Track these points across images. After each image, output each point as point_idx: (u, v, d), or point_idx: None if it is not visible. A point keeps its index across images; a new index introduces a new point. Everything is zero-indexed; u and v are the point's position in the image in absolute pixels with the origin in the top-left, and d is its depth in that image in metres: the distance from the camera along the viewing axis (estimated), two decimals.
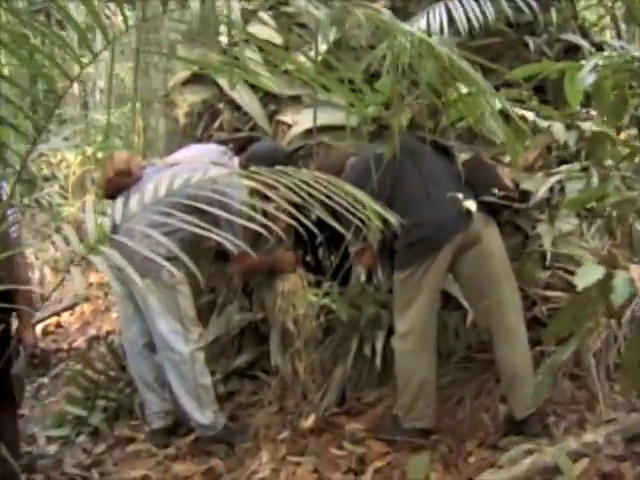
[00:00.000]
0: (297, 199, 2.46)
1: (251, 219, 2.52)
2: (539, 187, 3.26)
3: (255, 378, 4.66)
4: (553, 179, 2.98)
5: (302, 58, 4.03)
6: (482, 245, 3.66)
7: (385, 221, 2.81)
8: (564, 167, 3.05)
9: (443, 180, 3.72)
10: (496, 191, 3.58)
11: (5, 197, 3.15)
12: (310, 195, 2.47)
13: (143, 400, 4.29)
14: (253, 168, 2.44)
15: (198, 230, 2.39)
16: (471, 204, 3.46)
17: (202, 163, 3.77)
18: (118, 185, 3.94)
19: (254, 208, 2.67)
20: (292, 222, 2.55)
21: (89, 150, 8.16)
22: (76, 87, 12.21)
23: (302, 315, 4.24)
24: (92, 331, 6.38)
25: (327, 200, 2.46)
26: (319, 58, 4.24)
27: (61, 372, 5.65)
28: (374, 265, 4.10)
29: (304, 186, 2.49)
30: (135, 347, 4.17)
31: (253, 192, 3.74)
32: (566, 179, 2.92)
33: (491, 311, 3.71)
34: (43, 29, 2.54)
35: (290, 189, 2.42)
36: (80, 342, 6.20)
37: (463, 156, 3.83)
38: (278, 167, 2.59)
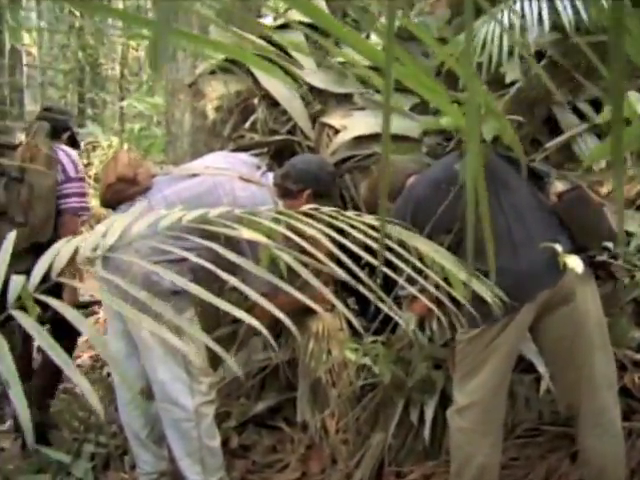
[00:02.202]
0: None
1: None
2: None
3: (276, 429, 3.92)
4: None
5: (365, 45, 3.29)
6: (575, 304, 2.83)
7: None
8: None
9: (531, 217, 2.89)
10: (607, 244, 2.75)
11: None
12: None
13: (134, 456, 3.51)
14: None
15: (209, 266, 1.58)
16: (574, 261, 2.61)
17: (228, 178, 3.15)
18: (120, 194, 3.25)
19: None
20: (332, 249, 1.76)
21: (115, 139, 7.47)
22: (118, 70, 11.76)
23: (338, 364, 3.45)
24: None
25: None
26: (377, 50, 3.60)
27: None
28: (429, 314, 3.27)
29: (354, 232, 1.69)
30: (127, 394, 3.39)
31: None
32: None
33: (579, 387, 2.91)
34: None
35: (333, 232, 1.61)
36: (85, 358, 5.45)
37: (558, 185, 2.98)
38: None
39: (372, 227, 1.56)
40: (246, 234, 1.32)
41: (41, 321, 1.32)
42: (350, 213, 1.56)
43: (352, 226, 1.52)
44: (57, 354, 1.02)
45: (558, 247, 2.67)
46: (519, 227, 2.85)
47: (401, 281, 2.55)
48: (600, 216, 2.85)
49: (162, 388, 3.20)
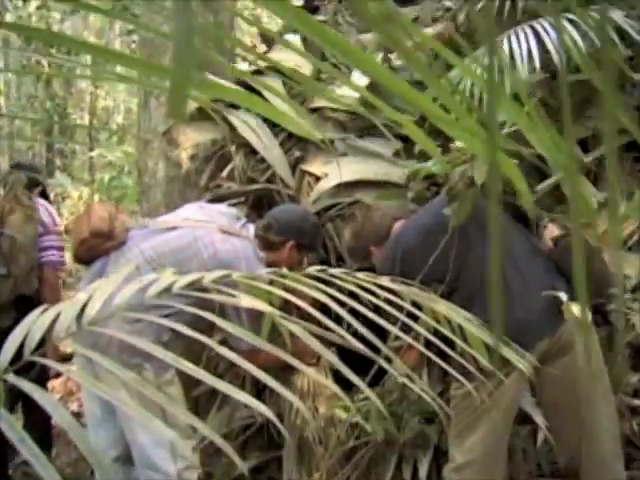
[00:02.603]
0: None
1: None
2: (635, 269, 2.76)
3: None
4: None
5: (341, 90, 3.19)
6: (575, 354, 2.71)
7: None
8: None
9: (526, 263, 2.79)
10: (612, 291, 2.64)
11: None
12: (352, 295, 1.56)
13: None
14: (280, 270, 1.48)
15: (182, 329, 1.44)
16: (579, 310, 2.49)
17: (207, 231, 3.02)
18: (94, 249, 3.09)
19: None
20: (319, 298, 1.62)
21: (86, 190, 7.32)
22: (86, 119, 11.64)
23: (326, 422, 3.29)
24: None
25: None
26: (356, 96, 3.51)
27: None
28: (420, 366, 3.12)
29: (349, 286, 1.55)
30: (103, 458, 3.15)
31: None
32: None
33: (580, 440, 2.78)
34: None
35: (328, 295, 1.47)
36: (74, 407, 5.21)
37: (552, 229, 2.88)
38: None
39: (381, 287, 1.43)
40: (245, 302, 1.18)
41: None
42: (361, 275, 1.42)
43: (360, 287, 1.38)
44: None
45: (562, 295, 2.56)
46: (515, 274, 2.73)
47: (395, 331, 2.41)
48: (599, 262, 2.74)
49: (142, 453, 3.01)
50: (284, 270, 1.36)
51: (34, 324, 1.14)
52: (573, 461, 2.88)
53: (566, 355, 2.70)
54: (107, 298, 1.33)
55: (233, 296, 1.24)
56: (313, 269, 1.39)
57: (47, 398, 0.92)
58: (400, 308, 1.61)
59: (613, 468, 2.80)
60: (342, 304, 1.35)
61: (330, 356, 1.23)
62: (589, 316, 2.52)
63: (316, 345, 1.24)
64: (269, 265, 2.97)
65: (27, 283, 3.72)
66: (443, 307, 1.47)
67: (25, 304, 3.49)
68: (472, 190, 2.61)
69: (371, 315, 1.44)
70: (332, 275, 1.39)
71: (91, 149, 9.92)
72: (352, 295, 1.41)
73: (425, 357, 3.11)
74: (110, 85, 13.45)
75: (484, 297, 2.64)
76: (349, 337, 1.35)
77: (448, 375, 3.30)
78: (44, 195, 4.21)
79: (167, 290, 1.39)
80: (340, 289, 1.43)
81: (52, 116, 12.80)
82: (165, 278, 1.38)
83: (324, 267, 1.42)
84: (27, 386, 1.03)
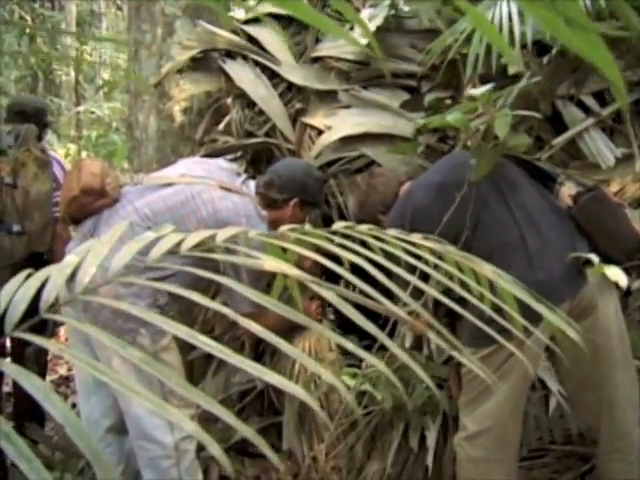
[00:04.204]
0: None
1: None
2: None
3: (259, 457, 3.55)
4: None
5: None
6: (596, 318, 2.56)
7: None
8: None
9: (545, 222, 2.61)
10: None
11: None
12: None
13: None
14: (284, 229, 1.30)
15: (180, 291, 1.27)
16: (615, 273, 2.34)
17: (206, 187, 2.86)
18: (85, 207, 2.91)
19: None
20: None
21: (73, 147, 7.10)
22: (72, 76, 11.40)
23: (330, 388, 3.15)
24: None
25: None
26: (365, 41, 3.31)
27: None
28: (426, 330, 2.96)
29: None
30: (96, 430, 3.03)
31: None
32: None
33: (598, 408, 2.66)
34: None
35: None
36: (63, 371, 5.07)
37: (569, 187, 2.71)
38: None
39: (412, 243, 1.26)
40: (269, 265, 1.01)
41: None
42: (393, 232, 1.25)
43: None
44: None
45: (594, 257, 2.40)
46: (533, 234, 2.57)
47: (405, 297, 2.24)
48: (622, 219, 2.58)
49: (137, 423, 2.85)
50: (306, 227, 1.18)
51: (16, 294, 0.96)
52: (590, 430, 2.75)
53: (587, 318, 2.55)
54: (102, 261, 1.16)
55: (252, 257, 1.07)
56: (340, 225, 1.21)
57: (37, 384, 0.75)
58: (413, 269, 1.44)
59: (631, 438, 2.67)
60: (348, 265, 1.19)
61: (355, 314, 1.05)
62: (624, 279, 2.36)
63: (348, 310, 1.07)
64: (271, 223, 2.86)
65: (41, 240, 3.63)
66: (476, 265, 1.30)
67: (39, 262, 3.43)
68: (494, 144, 2.44)
69: (380, 277, 1.27)
70: (360, 232, 1.22)
71: (77, 105, 9.66)
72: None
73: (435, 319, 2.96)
74: (96, 41, 13.15)
75: (502, 257, 2.49)
76: (366, 294, 1.18)
77: (459, 338, 3.18)
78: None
79: (171, 252, 1.22)
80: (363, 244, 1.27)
81: (36, 72, 12.52)
82: (167, 238, 1.20)
83: (351, 224, 1.24)
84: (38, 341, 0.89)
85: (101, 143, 7.94)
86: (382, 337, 1.12)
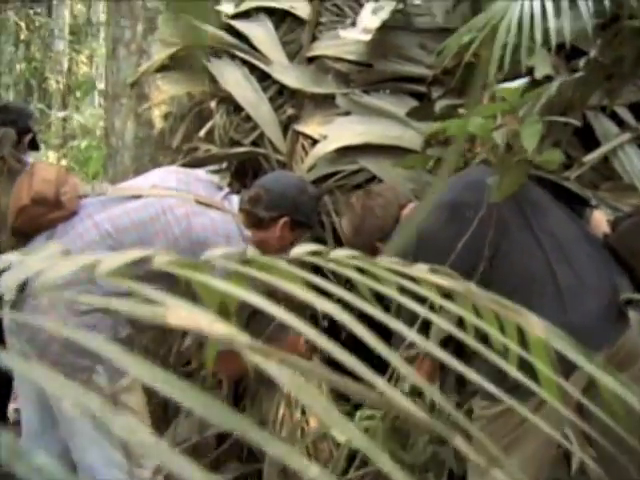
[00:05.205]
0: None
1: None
2: None
3: None
4: None
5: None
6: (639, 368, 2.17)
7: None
8: None
9: (577, 253, 2.26)
10: None
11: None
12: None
13: None
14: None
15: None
16: None
17: (180, 201, 2.57)
18: (36, 220, 2.57)
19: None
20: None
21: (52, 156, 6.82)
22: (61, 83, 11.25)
23: (318, 437, 2.80)
24: None
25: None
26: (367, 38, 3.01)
27: None
28: (434, 378, 2.65)
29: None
30: None
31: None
32: None
33: (632, 474, 2.26)
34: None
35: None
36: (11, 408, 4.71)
37: (602, 212, 2.37)
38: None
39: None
40: (176, 317, 0.61)
41: None
42: (386, 261, 0.89)
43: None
44: None
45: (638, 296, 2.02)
46: (564, 267, 2.19)
47: (412, 336, 1.83)
48: None
49: (91, 475, 2.49)
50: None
51: None
52: None
53: (628, 369, 2.15)
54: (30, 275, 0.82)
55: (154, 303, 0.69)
56: (305, 250, 0.85)
57: None
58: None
59: None
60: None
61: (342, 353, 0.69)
62: None
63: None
64: (256, 246, 2.57)
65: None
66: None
67: None
68: (520, 159, 2.05)
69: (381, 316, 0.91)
70: (334, 260, 0.87)
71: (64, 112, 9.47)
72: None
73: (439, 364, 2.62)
74: (91, 50, 13.01)
75: (528, 294, 2.11)
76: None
77: (465, 385, 2.79)
78: (34, 145, 3.89)
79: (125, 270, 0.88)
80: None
81: (29, 79, 12.35)
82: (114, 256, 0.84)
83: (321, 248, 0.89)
84: None
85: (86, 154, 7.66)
86: (376, 380, 0.78)
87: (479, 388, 2.21)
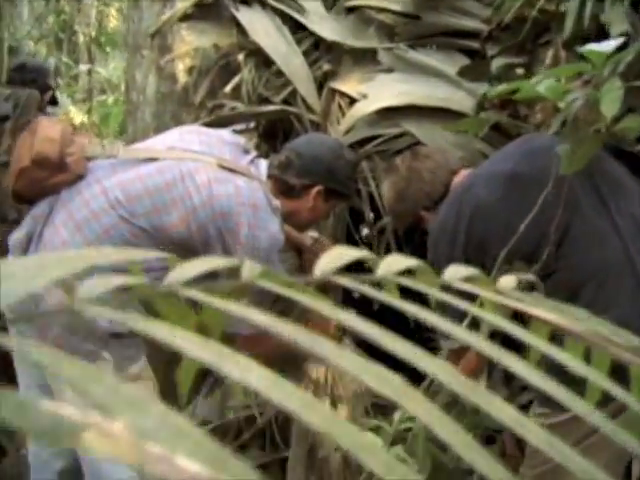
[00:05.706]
0: None
1: None
2: None
3: None
4: None
5: None
6: None
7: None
8: None
9: None
10: None
11: None
12: None
13: None
14: None
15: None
16: None
17: (202, 165, 2.38)
18: (37, 184, 2.39)
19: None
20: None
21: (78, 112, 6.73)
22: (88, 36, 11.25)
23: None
24: None
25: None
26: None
27: None
28: (479, 373, 2.44)
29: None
30: (44, 473, 2.61)
31: None
32: None
33: None
34: None
35: None
36: None
37: None
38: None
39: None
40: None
41: None
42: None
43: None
44: None
45: None
46: None
47: (457, 332, 1.55)
48: None
49: (96, 468, 2.41)
50: None
51: None
52: None
53: None
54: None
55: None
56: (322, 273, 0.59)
57: None
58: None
59: None
60: None
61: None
62: None
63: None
64: (286, 217, 2.41)
65: None
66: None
67: None
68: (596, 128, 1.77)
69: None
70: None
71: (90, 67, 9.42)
72: None
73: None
74: (121, 2, 13.05)
75: (602, 286, 1.87)
76: None
77: (514, 378, 2.55)
78: (53, 101, 4.07)
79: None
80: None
81: (57, 33, 12.38)
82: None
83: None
84: None
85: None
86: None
87: (537, 393, 1.99)
